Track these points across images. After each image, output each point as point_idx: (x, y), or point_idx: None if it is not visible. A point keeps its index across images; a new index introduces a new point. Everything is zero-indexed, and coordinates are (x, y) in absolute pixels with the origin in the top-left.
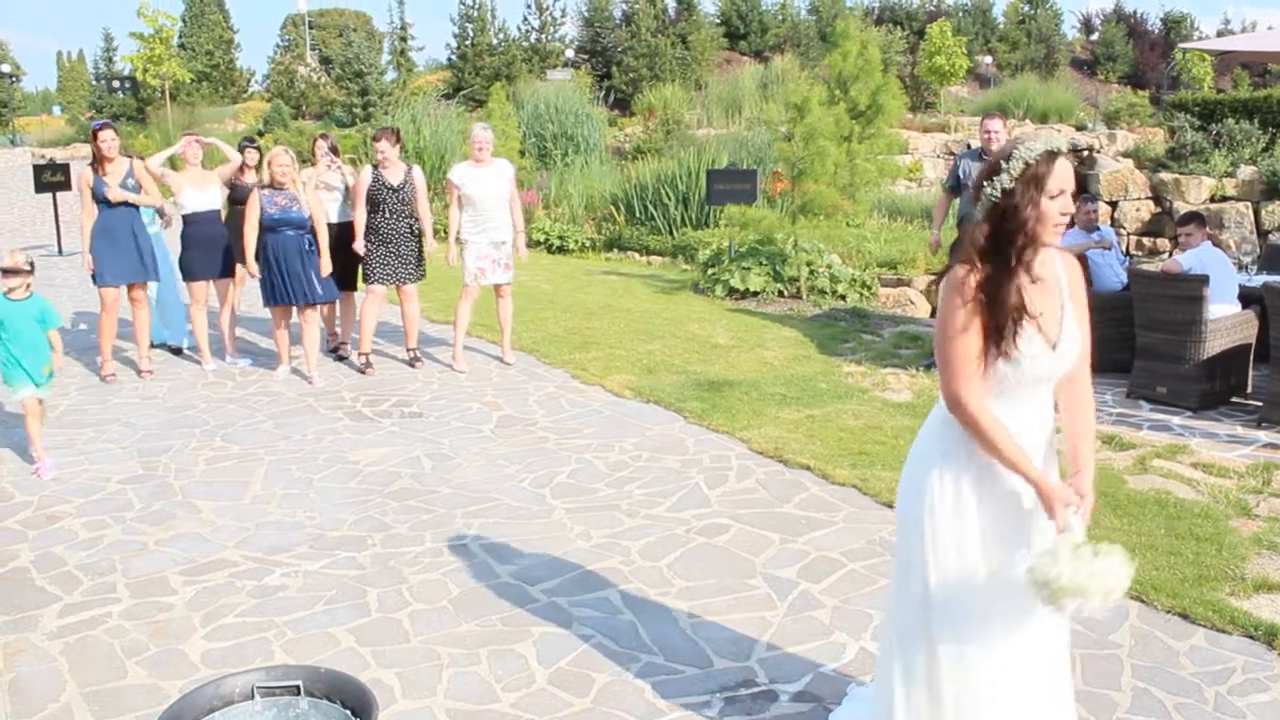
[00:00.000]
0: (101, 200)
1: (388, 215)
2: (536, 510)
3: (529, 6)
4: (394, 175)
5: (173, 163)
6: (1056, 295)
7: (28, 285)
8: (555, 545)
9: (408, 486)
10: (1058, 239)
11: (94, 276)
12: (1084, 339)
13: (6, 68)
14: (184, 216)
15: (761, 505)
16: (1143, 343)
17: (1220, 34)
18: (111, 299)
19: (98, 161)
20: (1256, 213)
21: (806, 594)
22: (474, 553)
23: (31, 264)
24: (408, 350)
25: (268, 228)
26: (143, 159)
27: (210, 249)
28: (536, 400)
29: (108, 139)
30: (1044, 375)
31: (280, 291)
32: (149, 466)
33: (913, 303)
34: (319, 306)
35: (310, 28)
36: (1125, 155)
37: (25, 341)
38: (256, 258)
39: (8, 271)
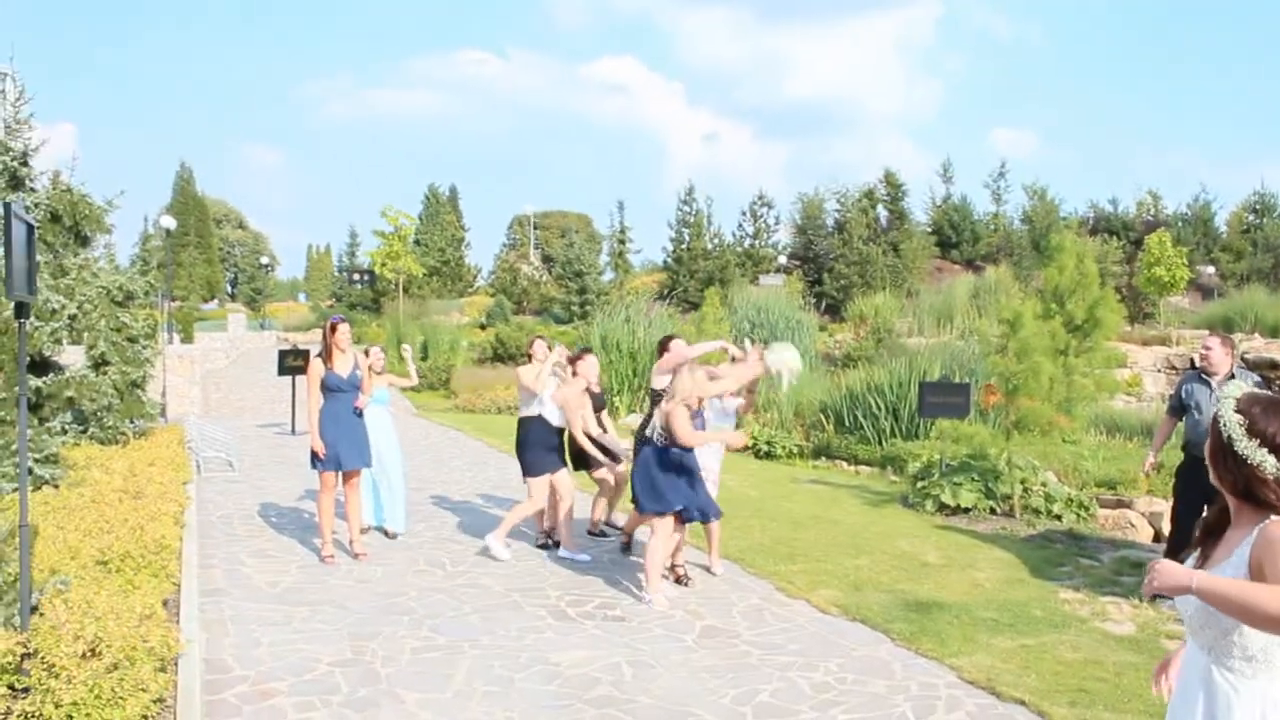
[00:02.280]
0: (332, 389)
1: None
2: None
3: (744, 214)
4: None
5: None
6: None
7: None
8: None
9: (607, 694)
10: None
11: (314, 460)
12: None
13: (265, 259)
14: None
15: None
16: None
17: None
18: (331, 481)
19: (327, 352)
20: None
21: None
22: None
23: None
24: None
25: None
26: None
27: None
28: (740, 611)
29: (344, 333)
30: None
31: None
32: (358, 650)
33: (1133, 525)
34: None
35: (535, 228)
36: None
37: None
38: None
39: None
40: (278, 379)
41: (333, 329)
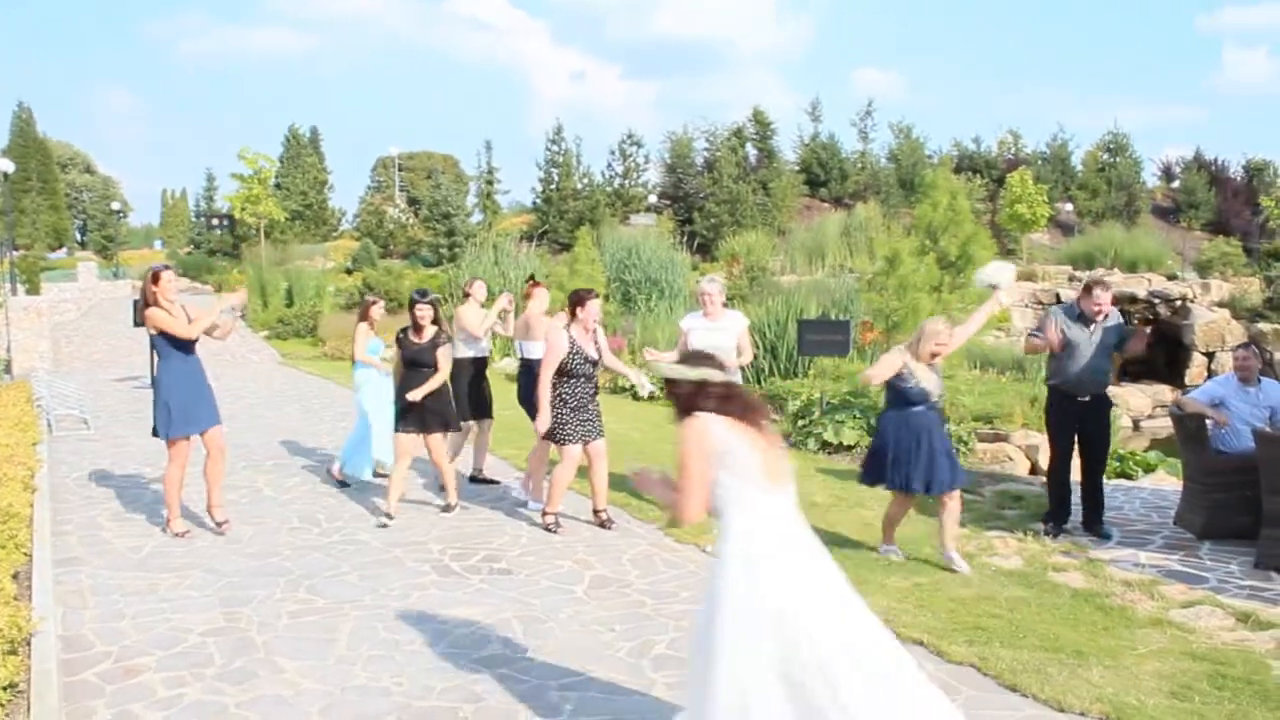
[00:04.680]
0: (176, 346)
1: (583, 380)
2: (635, 684)
3: (613, 153)
4: (590, 345)
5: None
6: None
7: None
8: None
9: (500, 653)
10: None
11: (165, 425)
12: None
13: (116, 205)
14: None
15: None
16: (1271, 509)
17: None
18: (183, 451)
19: (153, 304)
20: None
21: None
22: None
23: None
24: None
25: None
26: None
27: None
28: (630, 559)
29: (169, 281)
30: None
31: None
32: (230, 618)
33: (1011, 458)
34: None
35: (400, 170)
36: (1220, 305)
37: None
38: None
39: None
40: (134, 330)
41: (154, 278)
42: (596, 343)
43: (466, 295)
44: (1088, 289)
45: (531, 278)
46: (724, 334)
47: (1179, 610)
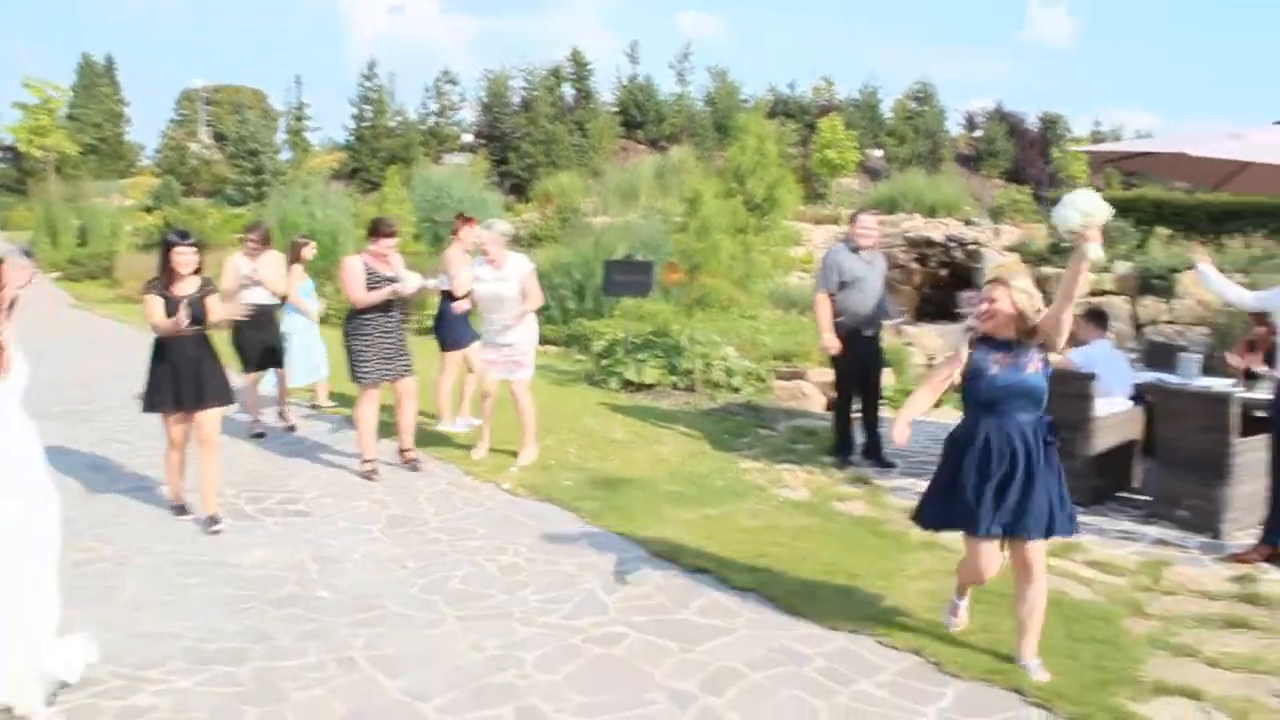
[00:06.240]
0: None
1: (382, 308)
2: (427, 619)
3: (428, 90)
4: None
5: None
6: None
7: None
8: (447, 657)
9: (292, 593)
10: None
11: None
12: None
13: None
14: None
15: (660, 611)
16: None
17: (1093, 135)
18: None
19: None
20: (1133, 306)
21: (708, 709)
22: (361, 666)
23: None
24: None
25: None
26: None
27: None
28: (427, 498)
29: None
30: None
31: None
32: None
33: (806, 395)
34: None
35: (205, 104)
36: (1010, 249)
37: None
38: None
39: None
40: None
41: None
42: (395, 270)
43: (254, 244)
44: (854, 218)
45: (460, 214)
46: (507, 283)
47: (949, 533)
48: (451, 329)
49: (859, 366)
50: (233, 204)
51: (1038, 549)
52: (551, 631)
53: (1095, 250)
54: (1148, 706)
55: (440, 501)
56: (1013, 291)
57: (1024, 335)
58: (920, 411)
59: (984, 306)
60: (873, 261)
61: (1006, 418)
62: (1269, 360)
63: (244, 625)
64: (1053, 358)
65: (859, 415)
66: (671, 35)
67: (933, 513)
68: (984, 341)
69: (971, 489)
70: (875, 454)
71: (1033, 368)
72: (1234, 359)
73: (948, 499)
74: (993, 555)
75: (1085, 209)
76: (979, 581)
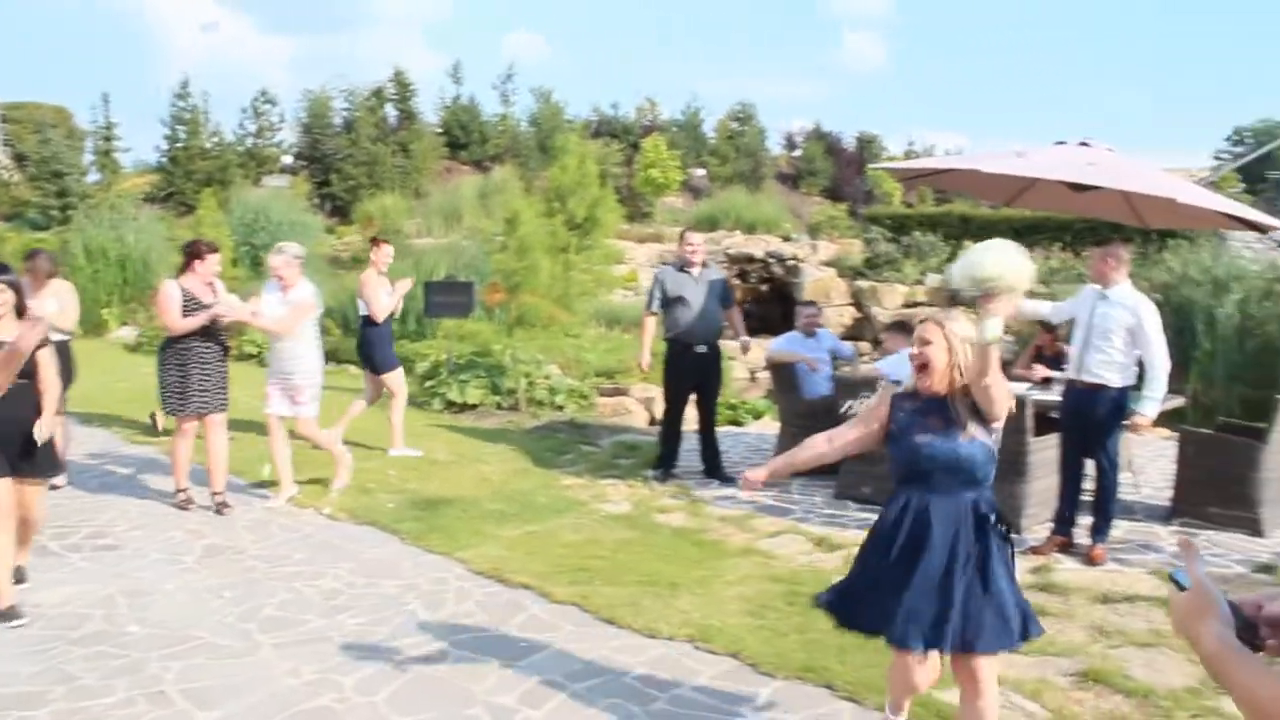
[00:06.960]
0: None
1: (200, 336)
2: (242, 647)
3: (245, 110)
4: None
5: None
6: None
7: None
8: (263, 685)
9: (98, 630)
10: None
11: None
12: None
13: None
14: None
15: (481, 629)
16: None
17: (907, 154)
18: None
19: None
20: None
21: None
22: (173, 699)
23: None
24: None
25: None
26: None
27: None
28: (244, 526)
29: None
30: None
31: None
32: None
33: (630, 411)
34: None
35: (2, 121)
36: (827, 264)
37: None
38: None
39: None
40: None
41: None
42: (216, 295)
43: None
44: (681, 236)
45: (374, 238)
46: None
47: (766, 539)
48: (380, 349)
49: (689, 382)
50: (36, 228)
51: (985, 664)
52: (371, 654)
53: (993, 328)
54: (951, 693)
55: (258, 529)
56: (949, 335)
57: (957, 392)
58: (804, 467)
59: (917, 355)
60: (702, 278)
61: (939, 496)
62: (1056, 366)
63: (44, 666)
64: (864, 367)
65: (693, 430)
66: (496, 56)
67: (839, 599)
68: (907, 398)
69: (889, 586)
70: (714, 470)
71: (967, 435)
72: (1023, 368)
73: (869, 589)
74: (923, 666)
75: (989, 267)
76: (913, 692)
